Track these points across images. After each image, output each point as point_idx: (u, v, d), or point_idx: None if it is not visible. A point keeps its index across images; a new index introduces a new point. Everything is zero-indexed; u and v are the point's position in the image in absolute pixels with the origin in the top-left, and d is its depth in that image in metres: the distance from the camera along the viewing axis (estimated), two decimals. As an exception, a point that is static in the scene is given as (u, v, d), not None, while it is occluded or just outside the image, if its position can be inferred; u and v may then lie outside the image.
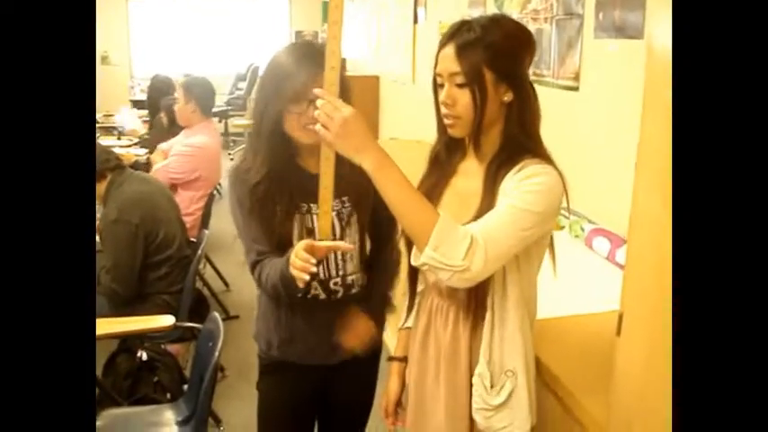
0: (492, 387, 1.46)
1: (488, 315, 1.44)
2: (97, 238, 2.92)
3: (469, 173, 1.49)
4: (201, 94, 4.04)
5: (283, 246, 1.62)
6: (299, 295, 1.63)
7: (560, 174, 1.39)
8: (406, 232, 1.39)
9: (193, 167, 3.94)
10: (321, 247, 1.48)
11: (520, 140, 1.41)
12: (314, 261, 1.42)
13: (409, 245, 1.45)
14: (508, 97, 1.40)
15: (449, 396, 1.52)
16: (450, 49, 1.39)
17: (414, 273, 1.60)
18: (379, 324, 1.83)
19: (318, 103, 1.32)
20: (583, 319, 1.92)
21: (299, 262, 1.43)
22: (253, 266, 1.66)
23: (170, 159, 3.96)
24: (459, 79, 1.38)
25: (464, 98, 1.38)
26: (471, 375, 1.48)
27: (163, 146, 4.28)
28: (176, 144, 4.08)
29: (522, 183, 1.34)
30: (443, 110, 1.43)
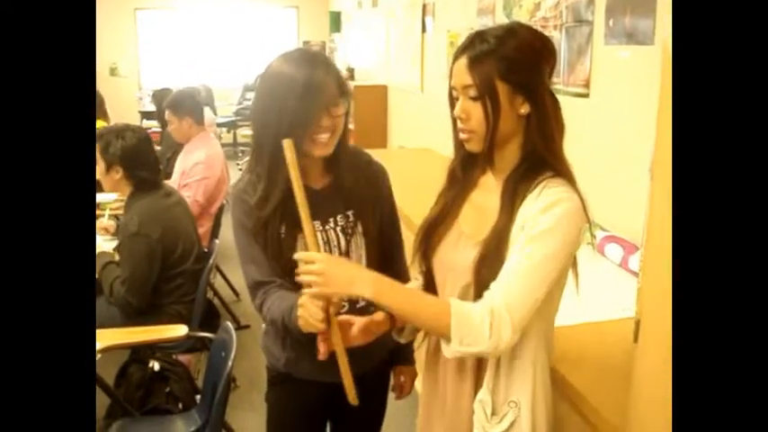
0: (493, 415, 1.40)
1: None
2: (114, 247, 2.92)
3: (488, 187, 1.45)
4: (191, 105, 4.02)
5: (285, 265, 1.58)
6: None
7: (581, 197, 1.34)
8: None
9: (213, 182, 3.93)
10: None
11: (540, 154, 1.36)
12: (323, 326, 1.41)
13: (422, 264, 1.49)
14: (525, 110, 1.35)
15: (452, 416, 1.49)
16: (463, 62, 1.34)
17: (429, 285, 1.54)
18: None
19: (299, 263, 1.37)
20: (596, 326, 1.91)
21: (312, 321, 1.41)
22: (254, 289, 1.63)
23: (190, 192, 3.82)
24: (472, 92, 1.33)
25: (478, 112, 1.33)
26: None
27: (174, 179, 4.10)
28: (179, 167, 4.00)
29: (541, 218, 1.29)
30: (459, 124, 1.39)
